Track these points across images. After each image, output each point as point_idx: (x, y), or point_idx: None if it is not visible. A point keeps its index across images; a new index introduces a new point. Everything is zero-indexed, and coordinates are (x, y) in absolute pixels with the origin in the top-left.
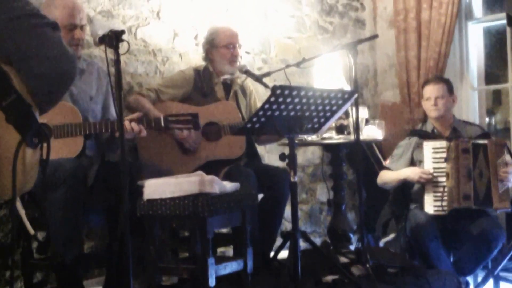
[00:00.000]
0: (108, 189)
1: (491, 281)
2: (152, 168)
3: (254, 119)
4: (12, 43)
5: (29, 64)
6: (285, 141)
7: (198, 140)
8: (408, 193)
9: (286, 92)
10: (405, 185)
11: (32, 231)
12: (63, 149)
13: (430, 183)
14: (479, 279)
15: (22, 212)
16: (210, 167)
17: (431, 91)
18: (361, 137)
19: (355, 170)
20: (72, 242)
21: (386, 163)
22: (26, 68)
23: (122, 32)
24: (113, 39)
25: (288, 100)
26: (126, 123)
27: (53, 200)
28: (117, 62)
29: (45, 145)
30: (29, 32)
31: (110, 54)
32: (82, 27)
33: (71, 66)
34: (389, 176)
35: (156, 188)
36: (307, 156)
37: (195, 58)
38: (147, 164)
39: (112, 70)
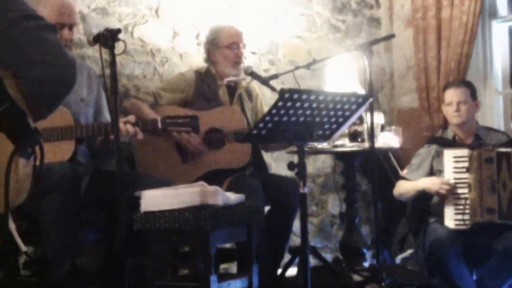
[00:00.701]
0: (102, 201)
1: None
2: (150, 177)
3: (261, 125)
4: (9, 47)
5: (27, 69)
6: (294, 148)
7: (200, 145)
8: (427, 205)
9: (295, 96)
10: (423, 197)
11: (24, 248)
12: (53, 153)
13: (450, 194)
14: None
15: (12, 227)
16: (213, 177)
17: (452, 95)
18: (376, 145)
19: (370, 181)
20: (64, 256)
21: (403, 173)
22: (24, 73)
23: (118, 30)
24: (108, 38)
25: (297, 104)
26: (121, 124)
27: (45, 208)
28: (112, 63)
29: (38, 152)
30: (27, 35)
31: (105, 54)
32: (71, 27)
33: (71, 70)
34: (406, 186)
35: (154, 199)
36: (318, 165)
37: (197, 59)
38: (144, 174)
39: (107, 71)
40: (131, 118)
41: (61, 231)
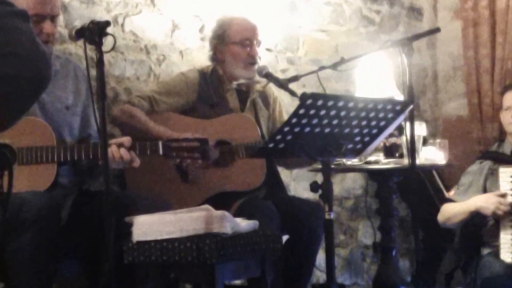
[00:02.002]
0: (87, 227)
1: None
2: (144, 200)
3: (278, 137)
4: None
5: None
6: (318, 166)
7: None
8: (479, 234)
9: (320, 102)
10: (475, 223)
11: None
12: (30, 180)
13: (508, 218)
14: None
15: None
16: (220, 200)
17: None
18: (418, 162)
19: (409, 205)
20: None
21: (450, 194)
22: None
23: (107, 23)
24: (94, 32)
25: (322, 112)
26: (113, 149)
27: (17, 249)
28: (99, 62)
29: (6, 173)
30: None
31: (91, 51)
32: (53, 19)
33: (45, 66)
34: (454, 209)
35: (150, 226)
36: (347, 185)
37: (200, 57)
38: (138, 195)
39: (93, 72)
40: (126, 141)
41: (34, 273)
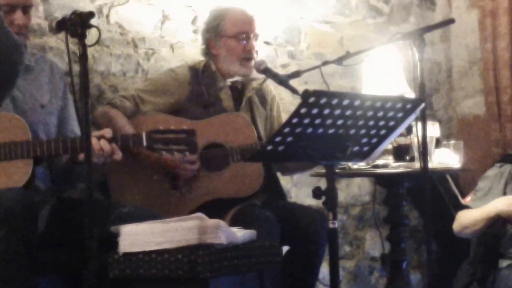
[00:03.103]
0: (67, 238)
1: None
2: (131, 208)
3: (277, 139)
4: None
5: None
6: (321, 170)
7: (198, 169)
8: (497, 244)
9: (323, 100)
10: (492, 233)
11: None
12: (3, 177)
13: None
14: None
15: None
16: (214, 208)
17: None
18: (430, 165)
19: (421, 212)
20: None
21: (466, 201)
22: None
23: (90, 14)
24: (77, 24)
25: (326, 111)
26: (93, 141)
27: None
28: (82, 56)
29: None
30: None
31: (73, 45)
32: (25, 9)
33: (17, 55)
34: (472, 216)
35: (137, 237)
36: (353, 191)
37: (192, 51)
38: (123, 203)
39: (75, 68)
40: (107, 132)
41: (8, 281)
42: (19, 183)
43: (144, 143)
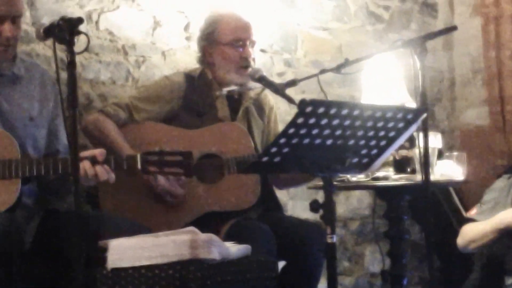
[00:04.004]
0: (54, 253)
1: None
2: (120, 221)
3: (273, 150)
4: None
5: None
6: (319, 182)
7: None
8: (502, 260)
9: (321, 109)
10: (497, 249)
11: None
12: None
13: None
14: None
15: None
16: (207, 222)
17: None
18: (432, 177)
19: (423, 227)
20: None
21: (471, 213)
22: None
23: (79, 20)
24: (65, 30)
25: (324, 121)
26: (86, 165)
27: None
28: (71, 64)
29: None
30: None
31: (61, 52)
32: (14, 19)
33: None
34: (478, 230)
35: (126, 251)
36: (351, 204)
37: (185, 59)
38: (113, 216)
39: (63, 75)
40: (99, 154)
41: None
42: (6, 204)
43: (139, 165)
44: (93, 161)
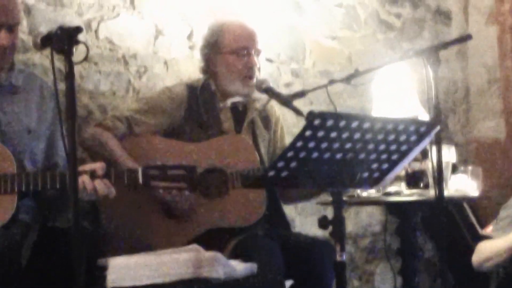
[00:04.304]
0: (52, 271)
1: None
2: (121, 239)
3: (280, 164)
4: None
5: None
6: (328, 198)
7: (192, 197)
8: None
9: (330, 122)
10: None
11: None
12: None
13: None
14: None
15: None
16: (211, 238)
17: None
18: (446, 193)
19: (437, 244)
20: None
21: (487, 230)
22: None
23: (78, 29)
24: (63, 40)
25: (333, 135)
26: (85, 179)
27: None
28: (69, 74)
29: None
30: None
31: (59, 62)
32: (11, 28)
33: None
34: (495, 247)
35: (127, 270)
36: (362, 221)
37: (188, 68)
38: (113, 233)
39: (61, 86)
40: (99, 168)
41: None
42: (1, 221)
43: (140, 180)
44: (93, 175)
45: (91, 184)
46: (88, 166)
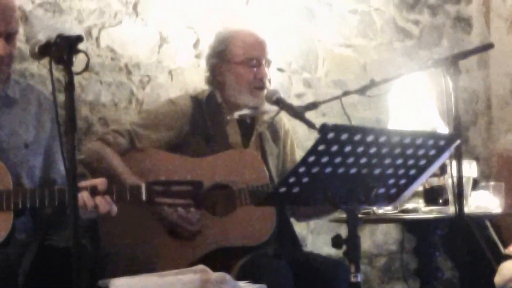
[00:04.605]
0: None
1: None
2: (123, 258)
3: (292, 180)
4: None
5: None
6: (342, 215)
7: (198, 215)
8: None
9: (344, 136)
10: None
11: None
12: None
13: None
14: None
15: None
16: (219, 258)
17: None
18: (466, 209)
19: (457, 264)
20: None
21: (510, 250)
22: None
23: (78, 38)
24: (63, 49)
25: (347, 149)
26: (85, 196)
27: None
28: (69, 85)
29: None
30: None
31: (58, 72)
32: (8, 37)
33: None
34: None
35: None
36: (378, 239)
37: (194, 78)
38: (115, 253)
39: (60, 98)
40: (100, 183)
41: None
42: None
43: (144, 196)
44: (93, 191)
45: (92, 201)
46: (89, 182)
